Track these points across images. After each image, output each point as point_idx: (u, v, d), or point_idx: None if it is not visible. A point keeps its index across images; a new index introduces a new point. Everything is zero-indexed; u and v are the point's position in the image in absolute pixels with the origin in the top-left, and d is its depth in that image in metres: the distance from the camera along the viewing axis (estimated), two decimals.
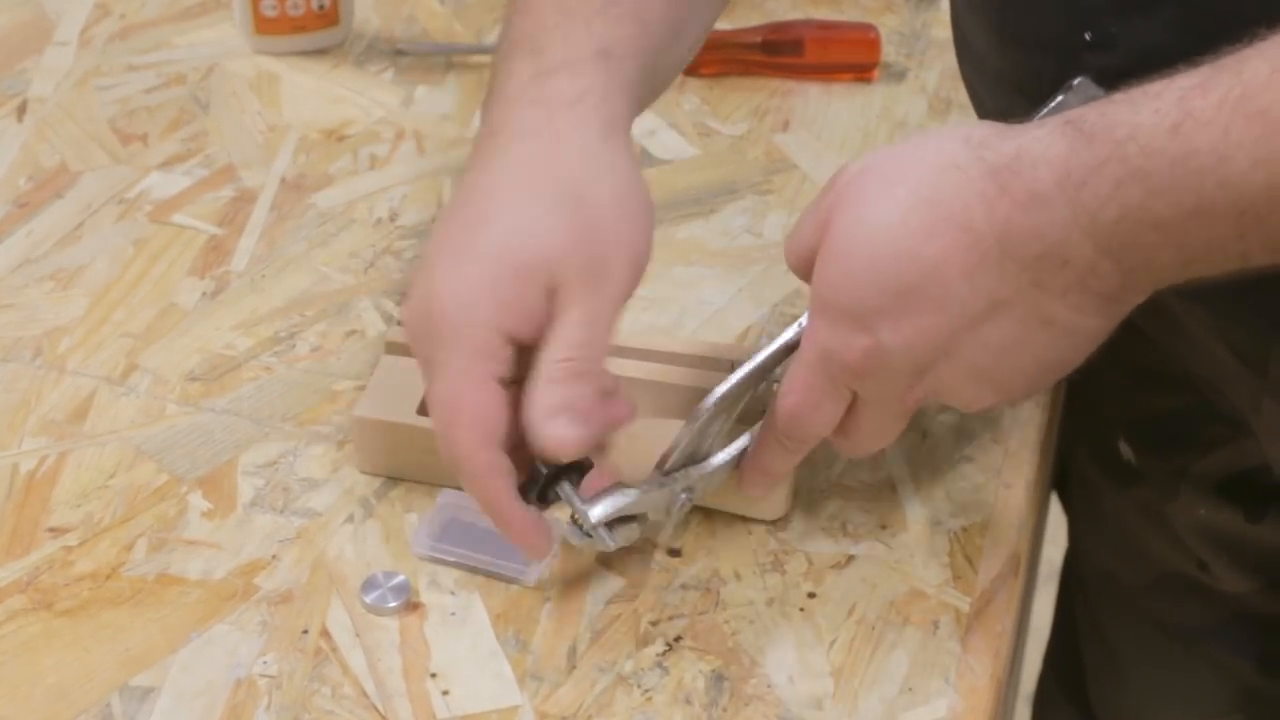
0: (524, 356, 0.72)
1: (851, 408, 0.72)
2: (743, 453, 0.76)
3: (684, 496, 0.76)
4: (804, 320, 0.73)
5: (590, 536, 0.74)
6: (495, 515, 0.73)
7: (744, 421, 0.77)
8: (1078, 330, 0.68)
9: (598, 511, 0.74)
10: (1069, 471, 1.11)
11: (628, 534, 0.75)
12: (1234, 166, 0.61)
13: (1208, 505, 0.98)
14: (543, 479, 0.73)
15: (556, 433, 0.70)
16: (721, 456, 0.76)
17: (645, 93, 0.79)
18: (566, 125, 0.73)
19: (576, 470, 0.73)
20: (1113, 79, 0.70)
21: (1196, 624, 1.04)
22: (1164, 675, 1.07)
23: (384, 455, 0.83)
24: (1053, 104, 0.73)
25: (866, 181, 0.69)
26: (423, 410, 0.81)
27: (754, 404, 0.77)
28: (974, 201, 0.66)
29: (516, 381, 0.72)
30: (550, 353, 0.71)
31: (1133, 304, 0.67)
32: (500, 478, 0.72)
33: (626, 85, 0.76)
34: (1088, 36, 0.77)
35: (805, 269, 0.71)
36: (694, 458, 0.76)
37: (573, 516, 0.74)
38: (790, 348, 0.74)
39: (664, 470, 0.75)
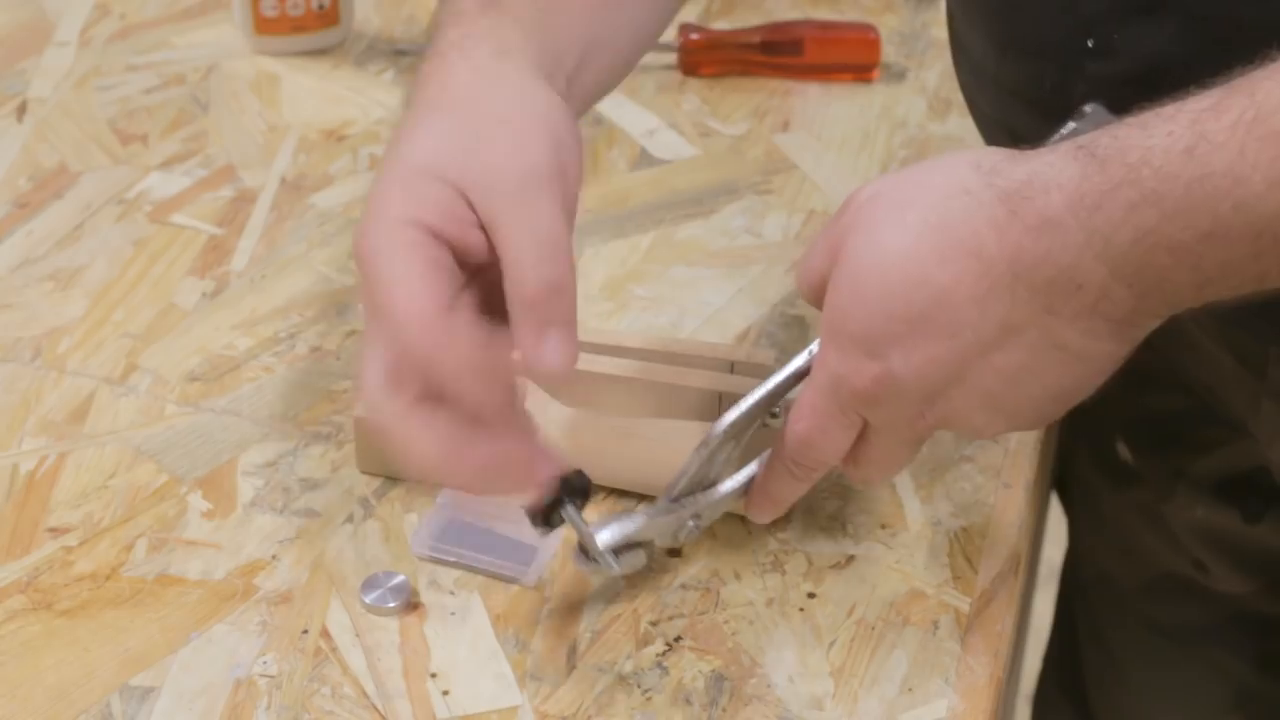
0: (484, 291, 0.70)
1: (862, 435, 0.72)
2: (751, 480, 0.76)
3: (691, 524, 0.76)
4: (815, 347, 0.72)
5: (596, 562, 0.74)
6: (483, 393, 0.67)
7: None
8: (1090, 356, 0.67)
9: (605, 537, 0.74)
10: (1069, 472, 1.11)
11: (634, 560, 0.75)
12: (1250, 188, 0.61)
13: (1205, 506, 0.99)
14: (547, 502, 0.72)
15: (550, 351, 0.67)
16: (729, 484, 0.76)
17: (548, 45, 0.75)
18: (454, 58, 0.72)
19: (580, 493, 0.73)
20: (1115, 86, 0.70)
21: (1194, 624, 1.04)
22: (1162, 676, 1.08)
23: (384, 455, 0.83)
24: (1064, 131, 0.72)
25: (877, 207, 0.69)
26: None
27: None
28: (985, 227, 0.65)
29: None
30: (512, 277, 0.68)
31: (1147, 329, 0.67)
32: (474, 347, 0.66)
33: (516, 23, 0.74)
34: (1090, 43, 0.77)
35: (817, 295, 0.71)
36: (702, 484, 0.75)
37: (579, 542, 0.74)
38: (801, 374, 0.74)
39: (672, 497, 0.75)
